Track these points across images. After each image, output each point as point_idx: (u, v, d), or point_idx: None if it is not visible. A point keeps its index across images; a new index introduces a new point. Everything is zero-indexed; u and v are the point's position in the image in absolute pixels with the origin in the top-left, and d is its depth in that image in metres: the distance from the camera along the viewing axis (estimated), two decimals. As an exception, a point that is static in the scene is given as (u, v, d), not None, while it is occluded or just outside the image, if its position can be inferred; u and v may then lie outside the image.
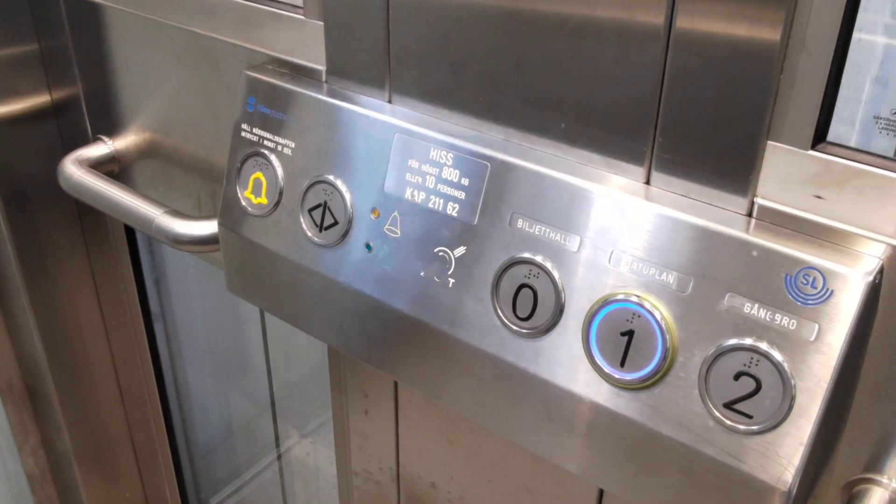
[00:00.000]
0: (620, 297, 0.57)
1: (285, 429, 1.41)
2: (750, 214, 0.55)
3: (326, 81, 0.75)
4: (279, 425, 1.41)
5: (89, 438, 1.39)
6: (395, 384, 0.87)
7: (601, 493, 0.76)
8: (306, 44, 0.76)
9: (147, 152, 1.01)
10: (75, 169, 1.01)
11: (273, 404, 1.40)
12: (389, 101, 0.71)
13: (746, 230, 0.54)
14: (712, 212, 0.56)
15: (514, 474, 0.82)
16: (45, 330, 1.25)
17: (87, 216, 1.21)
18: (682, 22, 0.53)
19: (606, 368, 0.59)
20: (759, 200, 0.55)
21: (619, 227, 0.58)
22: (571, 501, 0.78)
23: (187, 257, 1.25)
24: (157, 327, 1.34)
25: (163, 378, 1.37)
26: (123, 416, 1.42)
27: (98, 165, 1.05)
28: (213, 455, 1.53)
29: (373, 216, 0.70)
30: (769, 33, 0.50)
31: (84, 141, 1.11)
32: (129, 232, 1.21)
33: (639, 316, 0.57)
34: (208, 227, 0.86)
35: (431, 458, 0.89)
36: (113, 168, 1.07)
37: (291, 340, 1.31)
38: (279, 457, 1.42)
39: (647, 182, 0.59)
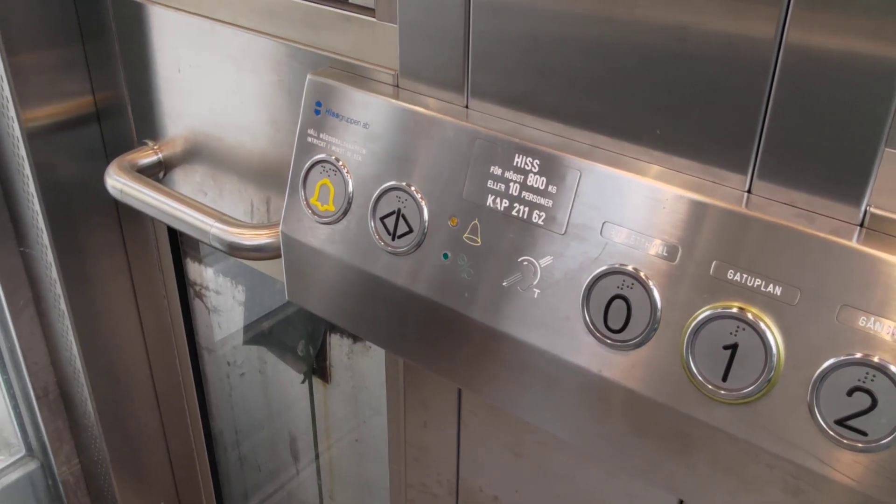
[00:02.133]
0: (723, 309, 0.56)
1: (326, 433, 1.38)
2: (862, 224, 0.53)
3: (398, 85, 0.73)
4: (319, 431, 1.39)
5: (125, 445, 1.38)
6: (459, 395, 0.85)
7: (679, 507, 0.74)
8: (377, 46, 0.74)
9: (196, 157, 1.00)
10: (122, 174, 0.99)
11: (313, 410, 1.38)
12: (466, 106, 0.69)
13: (859, 240, 0.52)
14: (822, 221, 0.54)
15: (584, 488, 0.80)
16: (84, 335, 1.23)
17: (128, 221, 1.20)
18: (795, 33, 0.51)
19: (706, 383, 0.57)
20: (872, 209, 0.53)
21: (720, 236, 0.56)
22: (646, 516, 0.76)
23: (230, 265, 1.23)
24: (198, 333, 1.32)
25: (202, 384, 1.36)
26: (159, 423, 1.40)
27: (144, 170, 1.03)
28: (250, 462, 1.51)
29: (451, 224, 0.68)
30: (891, 49, 0.48)
31: (128, 145, 1.09)
32: (172, 236, 1.19)
33: (743, 329, 0.55)
34: (268, 235, 0.84)
35: (495, 471, 0.87)
36: (158, 173, 1.05)
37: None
38: (317, 456, 1.40)
39: (749, 191, 0.57)
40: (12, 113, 1.04)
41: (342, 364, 1.28)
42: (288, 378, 1.35)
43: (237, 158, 0.94)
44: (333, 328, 1.28)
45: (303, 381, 1.36)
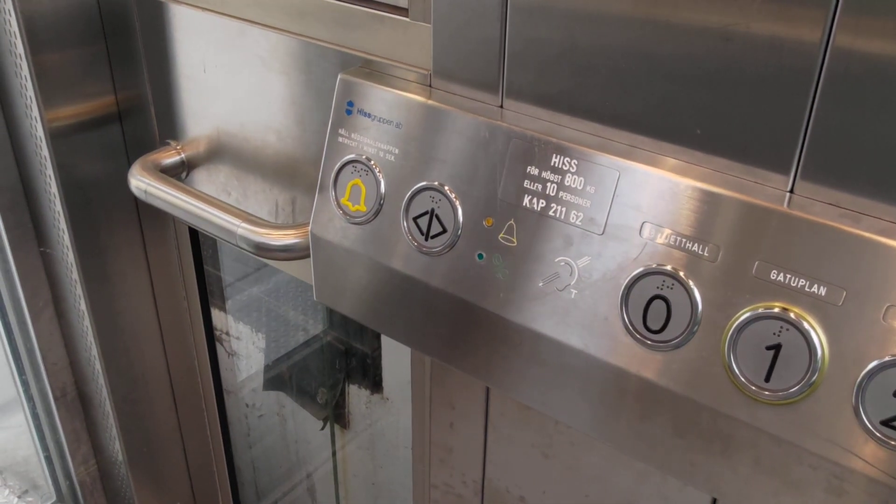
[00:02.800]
0: (766, 309, 0.55)
1: (343, 431, 1.39)
2: (908, 224, 0.53)
3: (431, 85, 0.73)
4: (335, 429, 1.39)
5: (142, 446, 1.37)
6: (487, 396, 0.85)
7: (713, 508, 0.73)
8: (410, 46, 0.74)
9: (220, 157, 0.99)
10: (146, 174, 0.99)
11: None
12: (501, 106, 0.69)
13: (906, 241, 0.52)
14: (868, 221, 0.54)
15: (615, 489, 0.79)
16: (103, 336, 1.23)
17: (148, 222, 1.19)
18: (842, 35, 0.51)
19: (749, 384, 0.56)
20: (918, 210, 0.53)
21: (762, 237, 0.55)
22: (678, 517, 0.76)
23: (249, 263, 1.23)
24: (216, 324, 1.32)
25: (220, 386, 1.35)
26: (176, 424, 1.40)
27: (167, 170, 1.03)
28: (267, 463, 1.51)
29: (486, 224, 0.68)
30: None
31: (150, 145, 1.09)
32: (193, 237, 1.19)
33: (787, 329, 0.55)
34: (296, 236, 0.84)
35: (522, 472, 0.86)
36: (181, 173, 1.05)
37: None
38: (334, 454, 1.40)
39: (792, 191, 0.57)
40: (35, 113, 1.03)
41: (360, 412, 1.30)
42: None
43: (263, 158, 0.93)
44: (351, 377, 1.30)
45: (322, 428, 1.38)
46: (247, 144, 0.94)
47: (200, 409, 1.40)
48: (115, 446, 1.36)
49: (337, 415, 1.37)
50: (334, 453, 1.39)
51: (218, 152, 0.99)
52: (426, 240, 0.71)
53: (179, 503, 1.48)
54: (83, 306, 1.19)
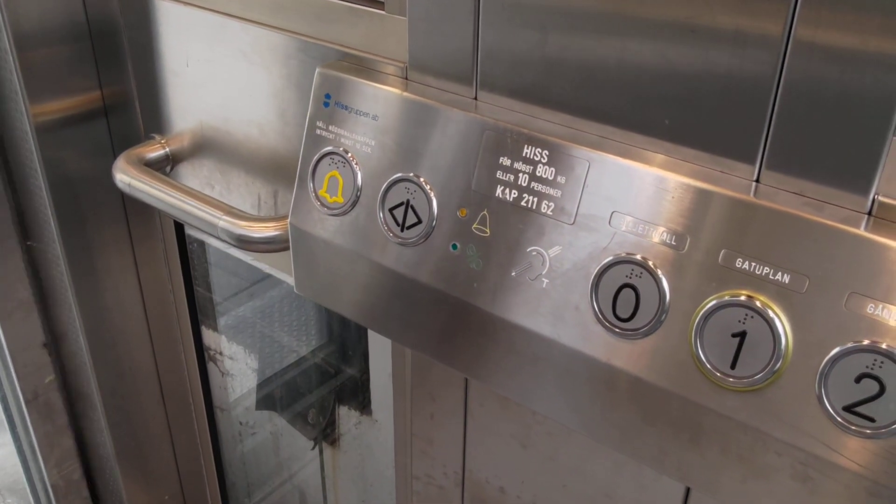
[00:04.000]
0: (731, 297, 0.56)
1: (334, 450, 1.40)
2: (870, 213, 0.54)
3: (407, 77, 0.73)
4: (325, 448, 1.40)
5: (131, 440, 1.38)
6: (466, 387, 0.86)
7: (686, 496, 0.74)
8: (386, 39, 0.74)
9: (204, 151, 1.00)
10: (130, 168, 1.00)
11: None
12: (475, 98, 0.70)
13: (867, 228, 0.53)
14: (830, 210, 0.54)
15: (592, 479, 0.80)
16: (90, 329, 1.24)
17: (135, 216, 1.20)
18: (802, 28, 0.52)
19: (715, 370, 0.57)
20: (880, 198, 0.53)
21: (728, 225, 0.56)
22: (653, 506, 0.76)
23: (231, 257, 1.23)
24: (203, 328, 1.32)
25: (207, 382, 1.36)
26: (164, 419, 1.41)
27: (151, 164, 1.03)
28: (256, 458, 1.52)
29: (459, 215, 0.68)
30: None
31: (135, 139, 1.09)
32: (179, 231, 1.20)
33: (752, 317, 0.55)
34: (276, 228, 0.85)
35: (501, 463, 0.87)
36: (166, 167, 1.06)
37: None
38: (322, 469, 1.41)
39: (757, 180, 0.57)
40: (22, 107, 1.04)
41: (350, 433, 1.31)
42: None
43: (245, 152, 0.94)
44: (341, 399, 1.31)
45: (312, 448, 1.39)
46: (230, 138, 0.95)
47: (188, 404, 1.41)
48: (104, 439, 1.36)
49: (326, 434, 1.38)
50: (323, 469, 1.41)
51: (202, 146, 1.00)
52: (402, 230, 0.72)
53: (168, 497, 1.49)
54: (70, 299, 1.19)
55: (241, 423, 1.50)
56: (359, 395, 1.28)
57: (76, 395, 1.36)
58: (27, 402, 1.32)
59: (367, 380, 1.25)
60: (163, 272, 1.26)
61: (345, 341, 1.30)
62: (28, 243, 1.20)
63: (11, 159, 1.14)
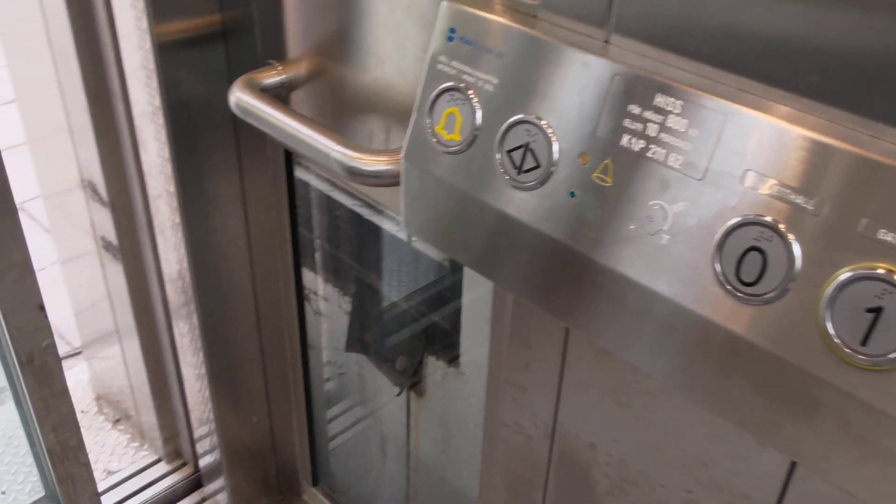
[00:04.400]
0: (868, 270, 0.53)
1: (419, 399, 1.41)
2: None
3: (536, 15, 0.71)
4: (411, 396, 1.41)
5: (224, 361, 1.42)
6: (566, 338, 0.84)
7: (790, 472, 0.71)
8: (518, -25, 0.72)
9: (319, 80, 1.00)
10: (246, 92, 1.00)
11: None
12: (607, 41, 0.67)
13: None
14: None
15: (688, 445, 0.78)
16: (195, 250, 1.26)
17: (246, 143, 1.21)
18: None
19: (843, 346, 0.54)
20: None
21: (873, 193, 0.52)
22: (752, 479, 0.74)
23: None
24: (305, 259, 1.34)
25: (304, 314, 1.38)
26: (258, 344, 1.44)
27: (267, 90, 1.03)
28: (341, 397, 1.54)
29: (581, 162, 0.66)
30: None
31: (252, 64, 1.10)
32: (288, 165, 1.20)
33: (891, 293, 0.52)
34: (388, 162, 0.84)
35: (595, 418, 0.86)
36: (281, 94, 1.06)
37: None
38: (408, 397, 1.42)
39: (911, 147, 0.53)
40: (145, 25, 1.05)
41: (436, 384, 1.31)
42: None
43: (361, 84, 0.93)
44: (429, 347, 1.31)
45: (398, 394, 1.40)
46: (346, 69, 0.94)
47: (282, 335, 1.43)
48: (199, 359, 1.40)
49: (413, 383, 1.39)
50: (409, 415, 1.41)
51: (318, 75, 1.00)
52: (518, 174, 0.70)
53: (255, 418, 1.52)
54: (178, 219, 1.22)
55: (329, 363, 1.52)
56: (448, 348, 1.29)
57: (177, 314, 1.40)
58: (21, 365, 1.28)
59: (458, 333, 1.25)
60: (269, 204, 1.27)
61: (438, 293, 1.30)
62: (140, 160, 1.23)
63: (130, 78, 1.17)
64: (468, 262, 0.81)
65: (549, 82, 0.67)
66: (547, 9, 0.70)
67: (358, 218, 1.26)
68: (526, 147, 0.69)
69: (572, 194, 0.67)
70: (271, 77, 1.04)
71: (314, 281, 1.40)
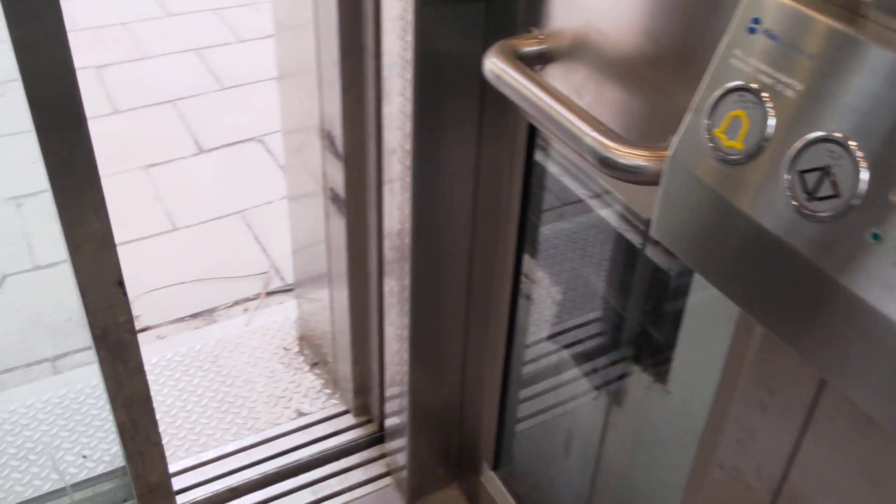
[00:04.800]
0: None
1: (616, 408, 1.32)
2: None
3: (866, 16, 0.59)
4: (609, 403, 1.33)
5: (427, 326, 1.39)
6: (819, 391, 0.73)
7: None
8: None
9: (581, 55, 0.92)
10: (502, 58, 0.94)
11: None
12: (956, 58, 0.55)
13: None
14: None
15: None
16: (419, 206, 1.22)
17: (490, 109, 1.16)
18: None
19: None
20: None
21: None
22: None
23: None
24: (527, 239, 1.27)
25: (517, 291, 1.32)
26: (464, 316, 1.40)
27: (523, 58, 0.97)
28: (534, 384, 1.48)
29: (893, 199, 0.55)
30: None
31: (510, 28, 1.04)
32: (529, 140, 1.14)
33: None
34: (649, 158, 0.75)
35: (836, 489, 0.74)
36: (537, 64, 0.99)
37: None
38: (605, 402, 1.34)
39: None
40: (411, -25, 1.01)
41: (638, 396, 1.22)
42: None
43: (629, 65, 0.84)
44: (637, 356, 1.21)
45: (594, 398, 1.32)
46: (615, 46, 0.86)
47: (490, 308, 1.38)
48: (403, 320, 1.38)
49: (611, 388, 1.30)
50: (606, 423, 1.33)
51: (581, 49, 0.92)
52: (809, 200, 0.59)
53: (449, 376, 1.48)
54: (409, 178, 1.19)
55: (530, 346, 1.46)
56: (659, 362, 1.19)
57: (388, 271, 1.38)
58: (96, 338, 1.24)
59: (672, 348, 1.15)
60: (501, 179, 1.21)
61: (658, 302, 1.20)
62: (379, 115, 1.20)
63: (383, 27, 1.14)
64: (719, 283, 0.71)
65: (870, 98, 0.56)
66: (882, 10, 0.58)
67: (589, 211, 1.18)
68: (825, 170, 0.58)
69: (875, 236, 0.55)
70: (530, 45, 0.97)
71: (528, 263, 1.34)
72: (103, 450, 1.65)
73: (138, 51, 3.36)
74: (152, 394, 1.80)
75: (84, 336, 1.18)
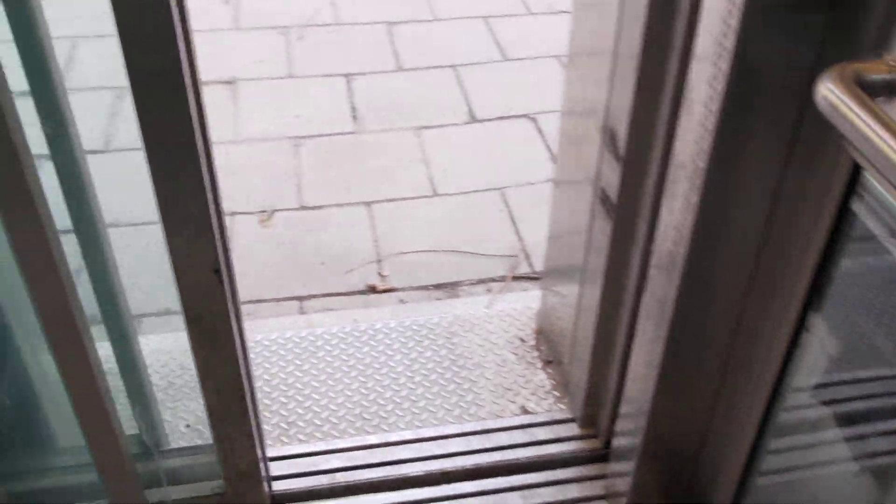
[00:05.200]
0: None
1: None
2: None
3: None
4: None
5: (681, 351, 1.26)
6: None
7: None
8: None
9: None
10: (840, 85, 0.79)
11: None
12: None
13: None
14: None
15: None
16: (700, 234, 1.10)
17: (806, 136, 1.00)
18: None
19: None
20: None
21: None
22: None
23: None
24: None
25: (797, 339, 1.16)
26: (726, 348, 1.26)
27: (866, 87, 0.81)
28: (798, 427, 1.31)
29: None
30: None
31: (854, 47, 0.88)
32: (851, 182, 0.96)
33: None
34: None
35: None
36: (881, 97, 0.83)
37: None
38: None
39: None
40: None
41: None
42: None
43: None
44: None
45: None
46: None
47: (758, 348, 1.23)
48: (658, 334, 1.26)
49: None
50: None
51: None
52: None
53: (690, 422, 1.35)
54: (695, 198, 1.06)
55: (795, 391, 1.29)
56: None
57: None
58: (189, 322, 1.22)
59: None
60: (804, 219, 1.05)
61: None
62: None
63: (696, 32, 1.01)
64: None
65: None
66: None
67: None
68: None
69: None
70: (879, 72, 0.81)
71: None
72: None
73: (430, 12, 3.40)
74: (384, 360, 1.82)
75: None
